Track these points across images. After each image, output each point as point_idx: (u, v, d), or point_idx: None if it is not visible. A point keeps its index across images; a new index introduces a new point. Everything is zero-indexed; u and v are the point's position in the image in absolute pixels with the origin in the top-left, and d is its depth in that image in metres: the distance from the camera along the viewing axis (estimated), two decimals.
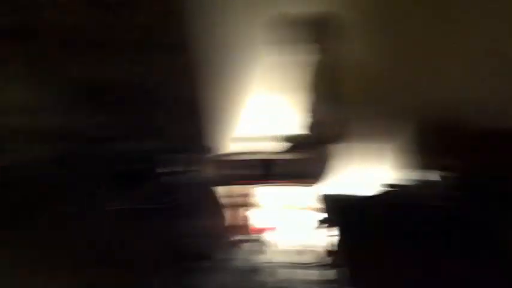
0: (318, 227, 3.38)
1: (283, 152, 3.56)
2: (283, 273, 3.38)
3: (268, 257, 3.55)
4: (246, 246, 3.62)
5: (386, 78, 3.71)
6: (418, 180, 3.50)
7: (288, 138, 3.60)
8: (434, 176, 3.47)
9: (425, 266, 3.02)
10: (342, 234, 3.29)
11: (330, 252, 3.40)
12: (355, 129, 3.57)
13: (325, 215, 3.37)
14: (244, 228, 3.82)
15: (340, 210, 3.29)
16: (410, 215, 3.12)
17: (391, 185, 3.41)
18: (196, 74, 3.90)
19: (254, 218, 3.62)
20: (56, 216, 3.43)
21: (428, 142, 3.61)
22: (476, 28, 3.62)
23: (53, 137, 3.79)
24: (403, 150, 3.73)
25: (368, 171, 3.79)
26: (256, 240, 3.59)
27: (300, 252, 3.51)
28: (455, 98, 3.57)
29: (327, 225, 3.38)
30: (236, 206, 3.77)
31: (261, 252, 3.57)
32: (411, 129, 3.70)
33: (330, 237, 3.32)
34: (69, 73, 3.91)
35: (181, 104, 3.87)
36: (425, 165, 3.53)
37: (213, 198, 3.55)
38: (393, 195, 3.37)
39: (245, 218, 3.80)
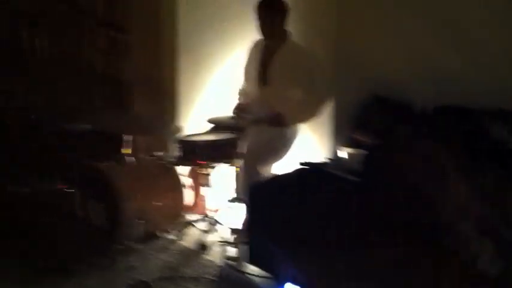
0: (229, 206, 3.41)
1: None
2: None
3: (214, 236, 3.65)
4: (197, 225, 3.75)
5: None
6: (330, 158, 3.28)
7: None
8: (345, 153, 3.22)
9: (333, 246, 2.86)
10: (253, 211, 3.26)
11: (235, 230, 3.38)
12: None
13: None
14: (198, 207, 3.96)
15: (253, 188, 3.26)
16: (321, 193, 2.97)
17: (306, 163, 3.23)
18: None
19: (207, 198, 3.73)
20: None
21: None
22: None
23: None
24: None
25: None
26: (208, 220, 3.69)
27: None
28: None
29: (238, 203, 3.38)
30: (194, 186, 3.94)
31: (210, 231, 3.67)
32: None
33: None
34: None
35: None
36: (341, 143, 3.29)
37: (174, 178, 3.76)
38: (305, 173, 3.20)
39: (199, 198, 3.94)
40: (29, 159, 3.81)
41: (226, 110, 3.78)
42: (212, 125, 3.84)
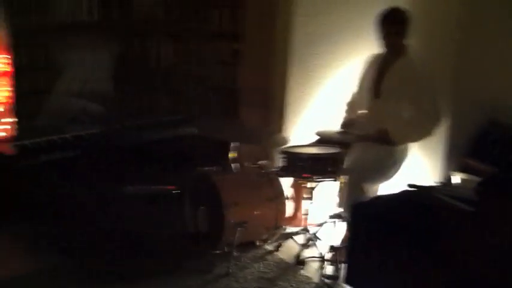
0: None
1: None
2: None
3: (313, 251, 3.59)
4: (296, 238, 3.71)
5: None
6: (441, 182, 3.11)
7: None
8: (457, 178, 3.03)
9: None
10: (354, 230, 3.17)
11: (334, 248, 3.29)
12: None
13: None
14: (298, 220, 3.91)
15: (356, 206, 3.18)
16: (426, 217, 2.85)
17: (414, 185, 3.09)
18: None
19: (309, 211, 3.68)
20: None
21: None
22: None
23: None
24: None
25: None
26: (307, 234, 3.64)
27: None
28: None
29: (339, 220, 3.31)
30: (296, 198, 3.90)
31: (309, 246, 3.61)
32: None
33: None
34: None
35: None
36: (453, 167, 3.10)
37: (276, 189, 3.75)
38: (412, 196, 3.06)
39: (300, 211, 3.89)
40: (140, 162, 3.97)
41: (333, 123, 3.74)
42: (318, 137, 3.80)
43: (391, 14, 3.42)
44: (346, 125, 3.59)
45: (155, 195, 3.84)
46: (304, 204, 3.70)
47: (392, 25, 3.41)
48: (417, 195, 3.06)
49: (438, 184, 3.24)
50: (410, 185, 3.11)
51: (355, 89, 3.77)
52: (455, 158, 3.48)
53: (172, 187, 3.88)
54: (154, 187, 3.88)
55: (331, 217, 3.44)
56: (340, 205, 3.39)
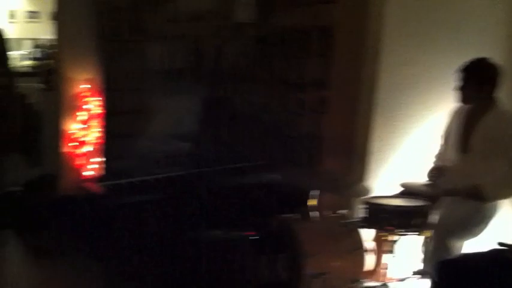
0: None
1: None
2: None
3: None
4: None
5: None
6: None
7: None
8: None
9: None
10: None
11: None
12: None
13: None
14: (378, 274, 3.75)
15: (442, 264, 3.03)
16: None
17: (505, 245, 2.91)
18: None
19: (390, 266, 3.55)
20: None
21: None
22: None
23: None
24: None
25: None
26: None
27: None
28: None
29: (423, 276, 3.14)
30: (376, 251, 3.76)
31: None
32: None
33: None
34: None
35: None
36: None
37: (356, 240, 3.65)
38: (503, 255, 2.88)
39: (381, 265, 3.74)
40: (221, 206, 4.02)
41: (419, 175, 3.61)
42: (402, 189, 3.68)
43: (473, 67, 3.30)
44: (433, 175, 3.44)
45: (234, 240, 3.84)
46: (385, 257, 3.56)
47: (473, 78, 3.30)
48: (509, 255, 2.88)
49: None
50: (501, 244, 2.94)
51: (441, 141, 3.65)
52: None
53: (251, 233, 3.87)
54: (234, 232, 3.89)
55: (415, 273, 3.28)
56: (424, 261, 3.23)
